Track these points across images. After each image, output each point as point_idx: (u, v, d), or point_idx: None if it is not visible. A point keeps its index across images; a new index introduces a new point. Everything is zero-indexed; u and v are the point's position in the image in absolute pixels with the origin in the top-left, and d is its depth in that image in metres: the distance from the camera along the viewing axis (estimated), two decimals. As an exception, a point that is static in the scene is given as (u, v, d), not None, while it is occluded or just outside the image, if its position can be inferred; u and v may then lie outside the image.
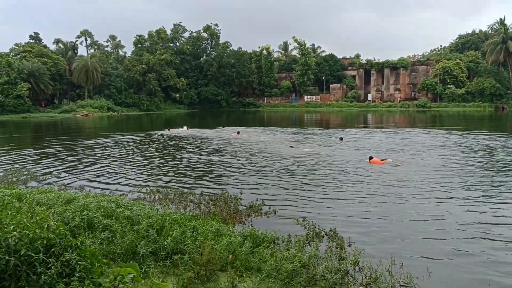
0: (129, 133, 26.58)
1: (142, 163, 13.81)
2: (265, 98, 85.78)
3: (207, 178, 11.05)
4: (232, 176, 11.32)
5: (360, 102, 78.84)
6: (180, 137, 23.09)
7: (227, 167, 12.76)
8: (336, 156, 14.82)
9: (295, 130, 28.85)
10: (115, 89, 68.84)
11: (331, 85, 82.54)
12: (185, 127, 28.00)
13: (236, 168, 12.57)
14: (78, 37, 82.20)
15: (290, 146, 17.44)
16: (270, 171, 11.96)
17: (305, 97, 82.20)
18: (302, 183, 10.28)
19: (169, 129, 27.18)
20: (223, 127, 29.81)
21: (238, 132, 23.48)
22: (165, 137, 23.30)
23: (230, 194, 8.89)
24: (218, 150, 17.29)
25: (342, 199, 8.59)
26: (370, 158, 13.23)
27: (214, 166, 12.96)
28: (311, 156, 14.93)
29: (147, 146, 19.06)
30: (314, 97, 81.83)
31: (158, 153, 16.21)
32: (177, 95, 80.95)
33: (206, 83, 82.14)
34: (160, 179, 11.01)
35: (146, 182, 10.60)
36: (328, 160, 14.10)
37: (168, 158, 14.85)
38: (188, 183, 10.39)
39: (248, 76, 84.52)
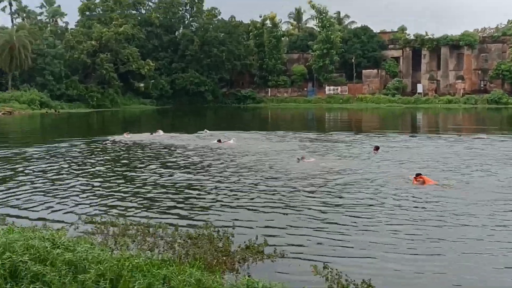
0: (71, 139, 26.56)
1: (89, 183, 13.92)
2: (269, 90, 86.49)
3: (183, 206, 11.11)
4: (219, 202, 11.41)
5: (405, 96, 79.28)
6: (144, 146, 23.28)
7: (212, 189, 12.82)
8: (368, 174, 14.99)
9: (312, 135, 29.07)
10: (51, 76, 68.99)
11: (364, 71, 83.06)
12: (159, 131, 28.25)
13: (225, 191, 12.63)
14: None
15: (298, 159, 17.61)
16: (274, 196, 12.02)
17: (327, 88, 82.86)
18: (319, 213, 10.37)
19: (127, 134, 27.28)
20: (206, 131, 29.99)
21: (220, 140, 23.68)
22: (122, 145, 23.65)
23: (216, 228, 8.94)
24: (199, 165, 17.49)
25: (376, 240, 8.58)
26: (417, 175, 13.26)
27: (193, 188, 12.99)
28: (331, 173, 15.10)
29: (97, 158, 19.24)
30: (339, 88, 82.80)
31: (112, 169, 16.43)
32: (142, 85, 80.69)
33: (184, 68, 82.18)
34: (116, 206, 11.09)
35: (95, 210, 10.69)
36: (357, 179, 14.21)
37: (127, 176, 14.96)
38: (157, 212, 10.49)
39: (245, 57, 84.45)
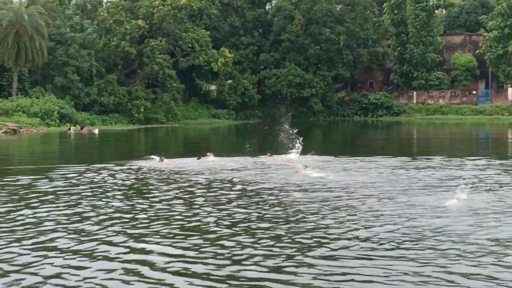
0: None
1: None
2: (414, 93, 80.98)
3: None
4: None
5: None
6: (178, 177, 21.68)
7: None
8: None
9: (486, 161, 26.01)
10: (77, 75, 65.10)
11: None
12: (209, 156, 27.23)
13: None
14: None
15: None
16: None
17: (511, 90, 75.81)
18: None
19: (160, 159, 26.83)
20: (297, 148, 26.84)
21: (303, 165, 22.92)
22: (150, 173, 23.17)
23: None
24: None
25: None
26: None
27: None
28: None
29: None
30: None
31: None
32: (213, 88, 76.77)
33: (278, 61, 78.27)
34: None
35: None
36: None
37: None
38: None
39: (375, 43, 79.41)
